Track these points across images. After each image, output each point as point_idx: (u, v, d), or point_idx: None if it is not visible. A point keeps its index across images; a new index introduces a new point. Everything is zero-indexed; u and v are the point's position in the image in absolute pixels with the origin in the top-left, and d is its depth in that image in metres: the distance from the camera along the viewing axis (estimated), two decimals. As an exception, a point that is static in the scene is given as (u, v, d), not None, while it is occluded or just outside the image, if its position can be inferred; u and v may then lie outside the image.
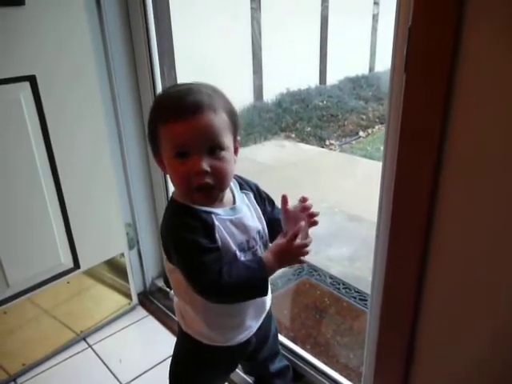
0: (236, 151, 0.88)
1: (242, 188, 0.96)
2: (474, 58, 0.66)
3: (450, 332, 0.84)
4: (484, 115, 0.68)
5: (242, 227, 0.90)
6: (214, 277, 0.82)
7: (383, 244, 0.93)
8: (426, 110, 0.72)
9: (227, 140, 0.82)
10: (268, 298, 1.03)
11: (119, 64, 1.46)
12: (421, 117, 0.73)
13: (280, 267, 0.87)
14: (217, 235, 0.85)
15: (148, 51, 1.44)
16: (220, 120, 0.81)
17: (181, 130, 0.78)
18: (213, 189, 0.83)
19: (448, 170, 0.74)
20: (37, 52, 1.24)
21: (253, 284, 0.86)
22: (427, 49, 0.69)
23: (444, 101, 0.68)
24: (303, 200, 0.91)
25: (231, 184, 0.93)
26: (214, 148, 0.80)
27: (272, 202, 1.02)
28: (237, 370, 1.30)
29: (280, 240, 0.87)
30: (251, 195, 0.96)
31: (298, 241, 0.84)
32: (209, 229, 0.84)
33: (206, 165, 0.79)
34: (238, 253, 0.88)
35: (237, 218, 0.90)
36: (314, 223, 0.90)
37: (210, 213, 0.86)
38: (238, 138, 0.89)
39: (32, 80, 1.25)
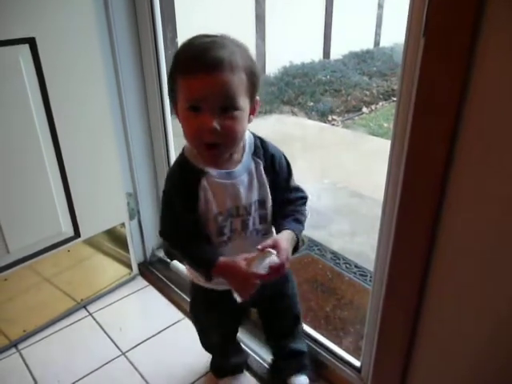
0: (253, 112, 0.88)
1: (255, 154, 0.94)
2: (499, 20, 0.63)
3: (455, 309, 0.83)
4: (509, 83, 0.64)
5: (232, 193, 0.91)
6: (169, 232, 0.96)
7: (389, 220, 0.92)
8: (445, 78, 0.69)
9: (242, 100, 0.81)
10: None
11: (121, 25, 1.41)
12: (439, 84, 0.70)
13: (222, 277, 0.92)
14: (201, 194, 0.89)
15: (151, 15, 1.39)
16: (237, 80, 0.79)
17: (197, 85, 0.79)
18: (221, 147, 0.84)
19: (464, 144, 0.71)
20: (36, 13, 1.20)
21: (194, 268, 0.99)
22: (450, 9, 0.65)
23: (466, 67, 0.65)
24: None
25: (245, 146, 0.93)
26: (227, 107, 0.80)
27: (287, 178, 0.99)
28: (254, 354, 1.34)
29: (239, 261, 0.88)
30: (261, 164, 0.94)
31: (253, 270, 0.86)
32: (192, 188, 0.89)
33: (216, 123, 0.79)
34: (219, 217, 0.92)
35: (230, 183, 0.90)
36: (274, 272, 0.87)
37: (203, 172, 0.89)
38: (257, 98, 0.87)
39: (31, 42, 1.21)
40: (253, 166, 0.93)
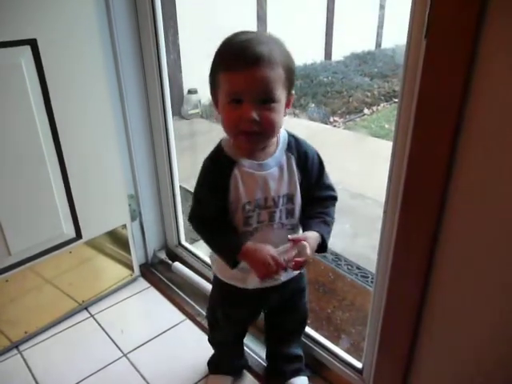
0: (288, 104, 0.91)
1: (289, 149, 0.97)
2: (501, 22, 0.63)
3: (458, 310, 0.83)
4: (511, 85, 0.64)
5: (262, 184, 0.94)
6: (197, 218, 0.99)
7: (391, 221, 0.91)
8: (447, 79, 0.69)
9: (280, 93, 0.86)
10: None
11: (122, 26, 1.41)
12: (441, 86, 0.70)
13: (246, 262, 0.94)
14: (231, 182, 0.93)
15: (153, 16, 1.40)
16: (276, 75, 0.84)
17: (239, 79, 0.83)
18: (258, 135, 0.87)
19: (466, 144, 0.71)
20: (38, 15, 1.20)
21: (219, 253, 1.00)
22: (452, 12, 0.65)
23: (468, 68, 0.65)
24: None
25: (279, 141, 0.97)
26: (266, 99, 0.84)
27: (319, 176, 1.00)
28: (252, 353, 1.35)
29: (267, 245, 0.92)
30: (293, 159, 0.96)
31: (274, 256, 0.89)
32: (224, 176, 0.93)
33: (255, 114, 0.84)
34: (247, 206, 0.94)
35: (260, 174, 0.94)
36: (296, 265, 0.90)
37: (235, 162, 0.93)
38: (293, 91, 0.92)
39: (33, 44, 1.21)
40: (284, 160, 0.96)
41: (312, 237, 0.93)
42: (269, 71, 0.82)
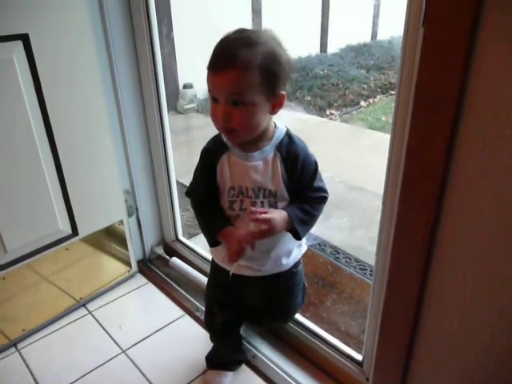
0: (277, 105, 0.93)
1: (279, 147, 0.99)
2: (500, 7, 0.61)
3: (458, 301, 0.83)
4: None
5: (244, 174, 0.99)
6: (190, 191, 1.09)
7: (389, 213, 0.91)
8: (445, 68, 0.67)
9: (253, 96, 0.87)
10: (274, 251, 1.06)
11: (115, 21, 1.40)
12: (440, 76, 0.69)
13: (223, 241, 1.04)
14: (218, 167, 1.00)
15: (146, 9, 1.38)
16: (249, 78, 0.85)
17: (214, 80, 0.88)
18: (234, 132, 0.92)
19: (465, 134, 0.71)
20: (30, 10, 1.18)
21: (203, 230, 1.08)
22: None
23: (466, 57, 0.64)
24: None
25: (274, 136, 0.99)
26: (237, 101, 0.87)
27: (310, 178, 1.01)
28: (252, 348, 1.36)
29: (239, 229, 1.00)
30: (278, 157, 0.98)
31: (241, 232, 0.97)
32: (214, 159, 1.01)
33: (225, 114, 0.88)
34: (232, 191, 1.01)
35: (244, 164, 0.98)
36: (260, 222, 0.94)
37: (228, 149, 1.00)
38: (282, 92, 0.92)
39: (25, 39, 1.19)
40: (271, 156, 0.98)
41: (278, 212, 0.97)
42: (240, 75, 0.85)
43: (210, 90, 0.90)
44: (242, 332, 1.35)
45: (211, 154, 1.02)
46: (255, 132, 0.94)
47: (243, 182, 0.99)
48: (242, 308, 1.23)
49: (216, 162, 1.00)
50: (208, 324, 1.30)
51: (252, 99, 0.87)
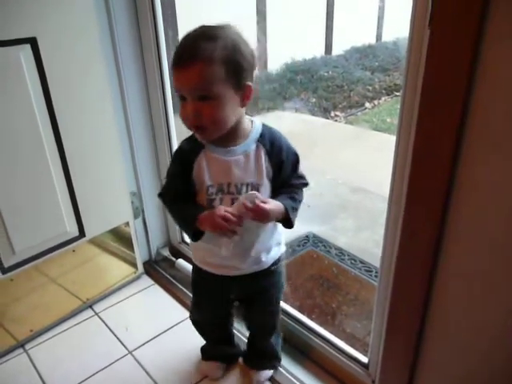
0: (246, 97, 0.91)
1: (261, 140, 0.98)
2: (508, 6, 0.61)
3: (465, 302, 0.82)
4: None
5: (226, 170, 0.97)
6: (163, 192, 1.06)
7: (395, 215, 0.91)
8: (451, 69, 0.68)
9: (219, 89, 0.86)
10: (254, 249, 1.04)
11: (122, 23, 1.41)
12: (446, 77, 0.69)
13: (204, 229, 0.97)
14: (195, 165, 0.97)
15: (152, 11, 1.39)
16: (212, 70, 0.84)
17: (177, 76, 0.87)
18: (205, 129, 0.90)
19: (471, 135, 0.71)
20: (37, 13, 1.20)
21: (182, 227, 1.09)
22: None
23: (473, 58, 0.64)
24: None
25: (253, 130, 0.98)
26: (203, 96, 0.86)
27: (293, 168, 1.03)
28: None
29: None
30: (262, 150, 0.97)
31: (222, 212, 0.92)
32: (191, 157, 0.98)
33: (195, 110, 0.87)
34: (210, 189, 0.97)
35: (224, 159, 0.96)
36: (253, 212, 0.92)
37: (203, 146, 0.97)
38: (249, 83, 0.90)
39: (33, 42, 1.21)
40: (253, 149, 0.97)
41: (275, 204, 0.95)
42: (203, 68, 0.84)
43: (175, 89, 0.90)
44: (237, 327, 1.36)
45: (187, 153, 0.99)
46: (226, 126, 0.92)
47: (224, 179, 0.97)
48: (224, 308, 1.22)
49: (192, 161, 0.97)
50: (193, 319, 1.29)
51: (218, 92, 0.86)
